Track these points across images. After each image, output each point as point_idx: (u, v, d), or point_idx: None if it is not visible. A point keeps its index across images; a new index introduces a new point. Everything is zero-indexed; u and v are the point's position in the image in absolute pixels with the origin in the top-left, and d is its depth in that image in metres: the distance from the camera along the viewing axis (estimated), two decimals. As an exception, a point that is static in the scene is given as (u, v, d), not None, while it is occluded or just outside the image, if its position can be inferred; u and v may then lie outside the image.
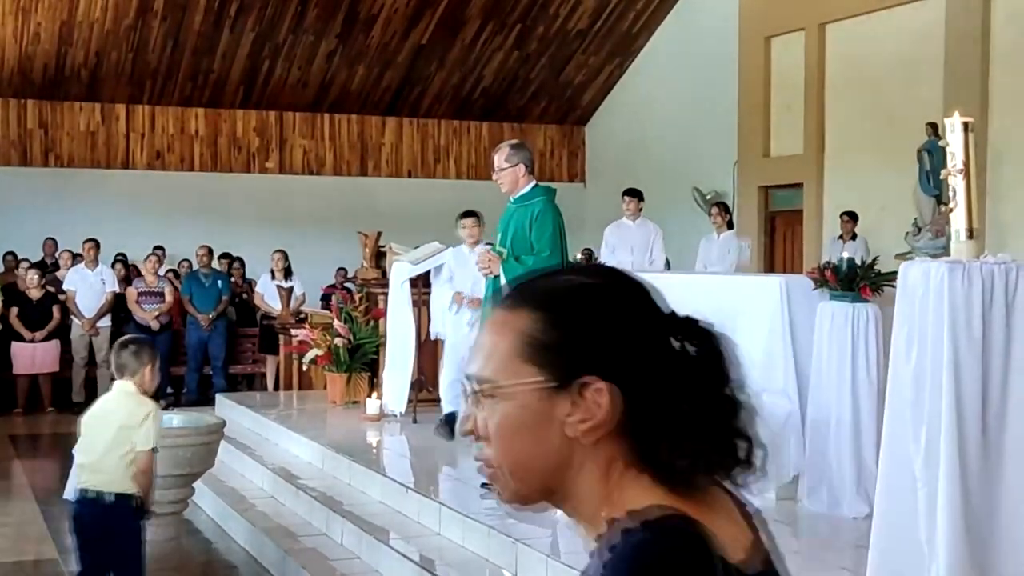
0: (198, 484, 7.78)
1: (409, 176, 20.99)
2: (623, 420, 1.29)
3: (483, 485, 6.75)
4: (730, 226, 12.78)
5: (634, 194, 11.94)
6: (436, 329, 9.18)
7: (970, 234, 4.00)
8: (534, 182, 6.73)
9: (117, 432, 5.18)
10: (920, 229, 13.45)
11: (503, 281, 6.50)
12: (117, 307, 14.23)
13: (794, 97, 16.45)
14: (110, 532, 5.14)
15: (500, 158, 6.71)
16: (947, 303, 3.87)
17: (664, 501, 1.28)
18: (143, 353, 5.29)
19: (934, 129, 13.68)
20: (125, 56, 18.24)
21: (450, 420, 8.05)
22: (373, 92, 20.19)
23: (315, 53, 18.96)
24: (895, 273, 6.42)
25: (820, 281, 6.33)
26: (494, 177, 6.78)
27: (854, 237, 13.59)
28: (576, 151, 22.29)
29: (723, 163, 17.89)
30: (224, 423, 6.60)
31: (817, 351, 6.24)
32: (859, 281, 6.15)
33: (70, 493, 5.99)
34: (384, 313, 10.29)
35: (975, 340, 3.87)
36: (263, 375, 14.68)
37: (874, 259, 6.34)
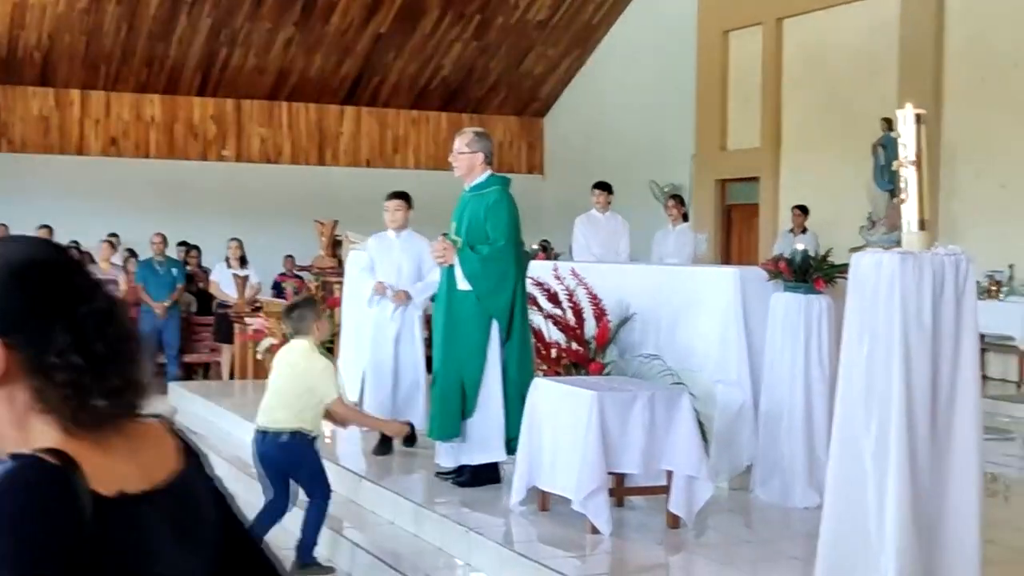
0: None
1: (367, 166, 20.92)
2: (28, 370, 1.48)
3: (437, 474, 6.74)
4: (685, 218, 12.82)
5: (604, 187, 12.00)
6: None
7: (921, 225, 4.02)
8: (489, 172, 6.69)
9: (294, 383, 5.86)
10: (874, 223, 13.57)
11: (458, 271, 6.47)
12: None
13: (751, 91, 16.54)
14: (290, 463, 5.90)
15: (462, 141, 6.65)
16: (898, 293, 3.89)
17: (57, 442, 1.47)
18: (307, 314, 6.03)
19: (889, 124, 13.77)
20: (79, 40, 18.02)
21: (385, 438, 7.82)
22: (331, 81, 20.08)
23: (273, 41, 18.83)
24: (848, 265, 6.47)
25: (774, 273, 6.36)
26: (451, 159, 6.73)
27: (805, 231, 13.69)
28: (534, 143, 22.29)
29: (681, 156, 17.95)
30: (175, 410, 6.55)
31: (771, 342, 6.28)
32: (812, 273, 6.19)
33: None
34: (340, 302, 10.23)
35: (925, 330, 3.89)
36: (219, 364, 14.57)
37: (827, 251, 6.39)
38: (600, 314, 7.11)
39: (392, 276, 7.84)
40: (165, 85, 19.47)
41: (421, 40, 19.36)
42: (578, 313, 7.17)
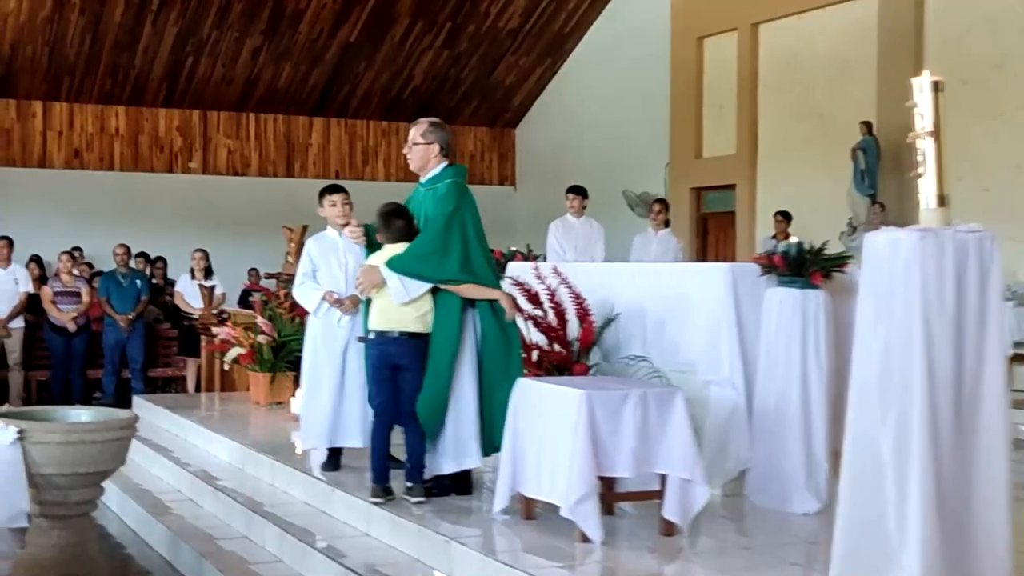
0: (111, 488, 7.31)
1: (337, 177, 20.53)
2: None
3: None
4: (667, 224, 12.57)
5: (578, 191, 11.85)
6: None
7: (940, 201, 3.74)
8: (445, 163, 6.23)
9: None
10: (855, 229, 13.35)
11: (392, 284, 5.91)
12: (31, 307, 13.64)
13: (726, 98, 16.33)
14: (401, 356, 5.94)
15: (417, 132, 6.23)
16: (918, 275, 3.60)
17: None
18: (412, 220, 6.11)
19: (868, 128, 13.59)
20: (41, 50, 17.63)
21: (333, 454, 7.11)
22: (300, 91, 19.75)
23: (240, 50, 18.48)
24: (847, 257, 6.20)
25: (768, 267, 6.07)
26: (405, 150, 6.35)
27: (788, 237, 13.43)
28: (506, 154, 22.02)
29: (654, 165, 17.71)
30: (136, 418, 6.16)
31: (765, 339, 5.98)
32: (809, 266, 5.91)
33: None
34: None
35: (948, 314, 3.60)
36: (184, 379, 14.15)
37: (824, 243, 6.10)
38: (584, 314, 6.80)
39: (339, 278, 7.12)
40: (129, 96, 19.09)
41: (391, 49, 19.07)
42: (560, 314, 6.85)
